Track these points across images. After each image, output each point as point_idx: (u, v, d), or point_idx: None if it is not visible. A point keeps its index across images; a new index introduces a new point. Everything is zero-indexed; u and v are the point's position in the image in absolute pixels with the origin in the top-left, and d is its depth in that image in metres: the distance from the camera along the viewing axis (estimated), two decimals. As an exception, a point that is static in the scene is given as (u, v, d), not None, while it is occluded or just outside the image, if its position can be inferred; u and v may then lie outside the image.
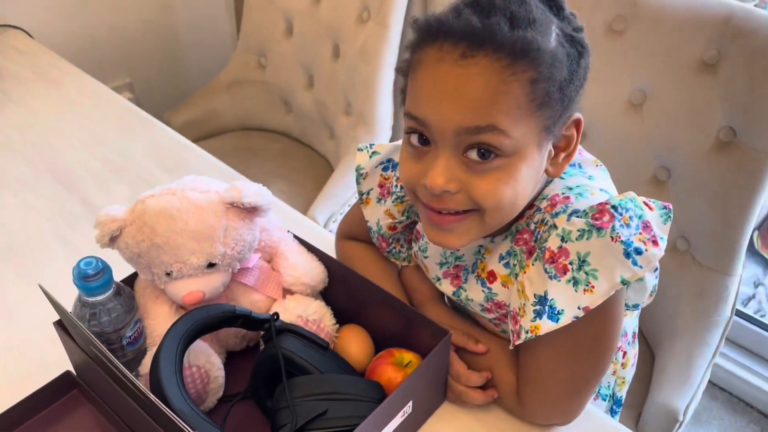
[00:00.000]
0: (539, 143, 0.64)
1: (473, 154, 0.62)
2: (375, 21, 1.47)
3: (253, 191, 0.75)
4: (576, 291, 0.65)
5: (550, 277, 0.66)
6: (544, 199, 0.70)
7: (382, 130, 1.57)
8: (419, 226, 0.85)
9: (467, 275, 0.79)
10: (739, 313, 1.68)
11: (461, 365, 0.77)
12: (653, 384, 1.09)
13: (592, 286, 0.64)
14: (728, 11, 0.98)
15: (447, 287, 0.81)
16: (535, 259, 0.68)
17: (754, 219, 1.02)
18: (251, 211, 0.77)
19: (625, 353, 0.91)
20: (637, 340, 0.95)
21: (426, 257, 0.83)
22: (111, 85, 1.98)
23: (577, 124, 0.67)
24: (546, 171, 0.68)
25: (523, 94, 0.60)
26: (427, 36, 0.63)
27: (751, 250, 1.97)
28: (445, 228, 0.67)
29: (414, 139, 0.66)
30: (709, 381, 1.70)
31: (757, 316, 1.69)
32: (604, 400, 0.91)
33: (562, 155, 0.68)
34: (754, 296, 1.85)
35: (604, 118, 1.13)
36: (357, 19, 1.51)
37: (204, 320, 0.71)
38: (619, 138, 1.13)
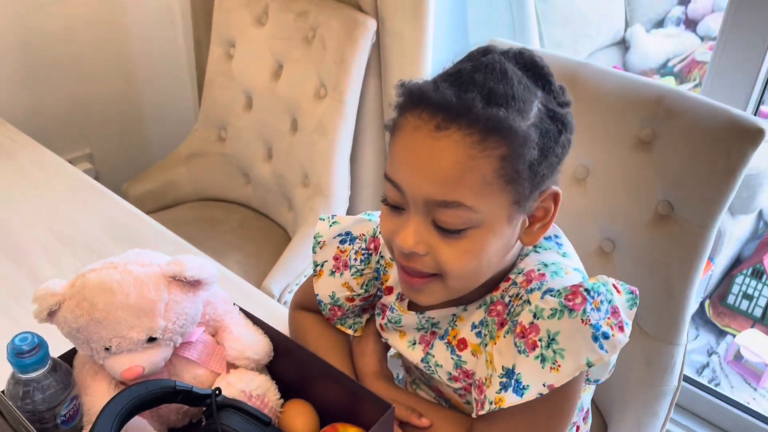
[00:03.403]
0: (509, 216, 0.66)
1: (440, 224, 0.65)
2: (331, 97, 1.51)
3: (196, 265, 0.76)
4: (543, 368, 0.65)
5: (519, 352, 0.67)
6: (520, 273, 0.72)
7: (339, 200, 1.59)
8: (384, 299, 0.86)
9: (435, 341, 0.79)
10: (694, 382, 1.69)
11: (405, 439, 0.76)
12: (605, 456, 1.09)
13: (559, 365, 0.65)
14: (659, 93, 1.04)
15: (418, 353, 0.81)
16: (507, 332, 0.69)
17: (695, 289, 1.05)
18: (194, 284, 0.77)
19: (578, 428, 0.90)
20: (590, 414, 0.95)
21: (401, 326, 0.83)
22: (70, 156, 1.99)
23: (555, 196, 0.69)
24: (520, 239, 0.70)
25: (491, 170, 0.62)
26: (409, 102, 0.66)
27: (704, 318, 2.00)
28: (414, 288, 0.71)
29: (389, 202, 0.69)
30: (667, 451, 1.70)
31: (711, 385, 1.70)
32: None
33: (538, 225, 0.70)
34: (708, 365, 1.87)
35: (549, 192, 1.16)
36: (314, 95, 1.56)
37: (142, 397, 0.70)
38: (566, 211, 1.14)
